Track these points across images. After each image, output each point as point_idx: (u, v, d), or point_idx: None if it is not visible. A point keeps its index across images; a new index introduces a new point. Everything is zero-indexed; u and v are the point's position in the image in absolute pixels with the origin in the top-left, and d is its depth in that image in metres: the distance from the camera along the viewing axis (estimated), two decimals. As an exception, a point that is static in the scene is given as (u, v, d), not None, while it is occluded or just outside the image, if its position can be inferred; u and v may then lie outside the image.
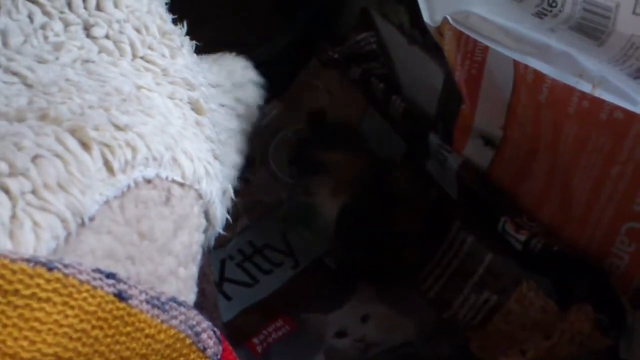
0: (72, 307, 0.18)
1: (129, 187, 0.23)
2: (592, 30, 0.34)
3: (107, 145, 0.23)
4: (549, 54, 0.33)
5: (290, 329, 0.43)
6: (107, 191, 0.22)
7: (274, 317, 0.43)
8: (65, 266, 0.19)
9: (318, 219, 0.47)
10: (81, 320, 0.18)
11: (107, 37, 0.29)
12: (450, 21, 0.35)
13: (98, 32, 0.29)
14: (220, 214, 0.30)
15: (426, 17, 0.36)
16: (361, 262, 0.46)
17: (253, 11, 0.56)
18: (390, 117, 0.49)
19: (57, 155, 0.21)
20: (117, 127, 0.24)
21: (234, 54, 0.39)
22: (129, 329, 0.20)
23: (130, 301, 0.20)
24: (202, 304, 0.30)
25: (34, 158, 0.21)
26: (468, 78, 0.38)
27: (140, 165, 0.24)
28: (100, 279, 0.19)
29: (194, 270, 0.27)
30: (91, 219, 0.21)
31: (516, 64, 0.35)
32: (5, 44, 0.26)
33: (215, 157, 0.30)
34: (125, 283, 0.20)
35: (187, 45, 0.33)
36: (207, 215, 0.29)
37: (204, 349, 0.22)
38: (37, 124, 0.22)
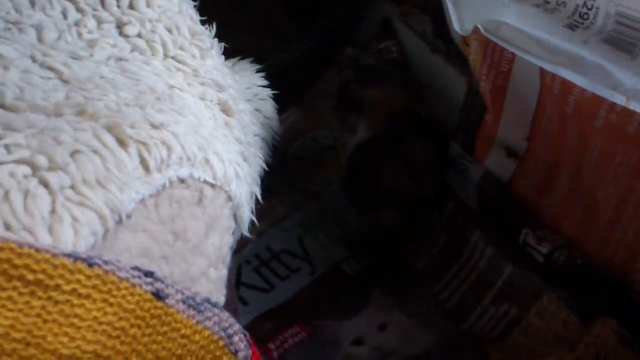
0: (111, 305, 0.18)
1: (164, 186, 0.23)
2: (625, 43, 0.34)
3: (144, 144, 0.23)
4: (583, 66, 0.32)
5: (307, 336, 0.42)
6: (144, 189, 0.22)
7: (291, 323, 0.43)
8: (106, 263, 0.18)
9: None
10: (120, 319, 0.18)
11: (139, 36, 0.29)
12: (482, 31, 0.34)
13: (131, 30, 0.28)
14: (247, 217, 0.30)
15: (456, 26, 0.36)
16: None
17: (272, 18, 0.57)
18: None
19: (95, 152, 0.21)
20: (153, 126, 0.24)
21: (250, 61, 0.39)
22: (166, 328, 0.19)
23: (167, 300, 0.20)
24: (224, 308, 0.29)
25: (73, 153, 0.21)
26: (493, 89, 0.38)
27: (175, 165, 0.24)
28: (139, 277, 0.19)
29: (224, 272, 0.26)
30: (128, 217, 0.21)
31: (543, 75, 0.35)
32: (40, 40, 0.26)
33: (245, 159, 0.29)
34: (162, 282, 0.20)
35: (216, 47, 0.33)
36: (235, 217, 0.28)
37: (236, 352, 0.22)
38: (75, 119, 0.22)
